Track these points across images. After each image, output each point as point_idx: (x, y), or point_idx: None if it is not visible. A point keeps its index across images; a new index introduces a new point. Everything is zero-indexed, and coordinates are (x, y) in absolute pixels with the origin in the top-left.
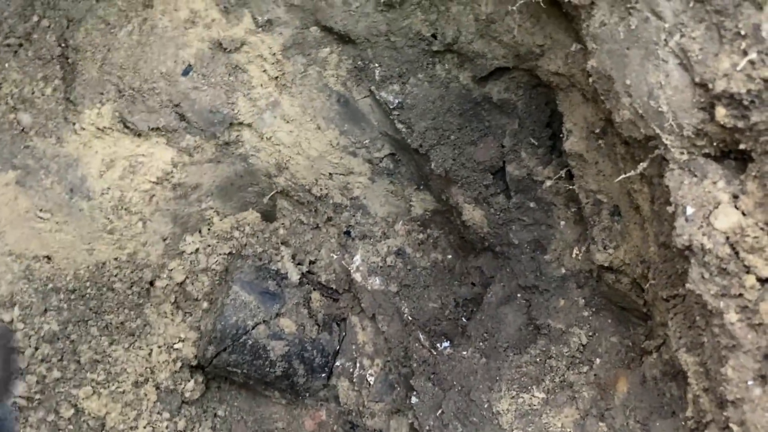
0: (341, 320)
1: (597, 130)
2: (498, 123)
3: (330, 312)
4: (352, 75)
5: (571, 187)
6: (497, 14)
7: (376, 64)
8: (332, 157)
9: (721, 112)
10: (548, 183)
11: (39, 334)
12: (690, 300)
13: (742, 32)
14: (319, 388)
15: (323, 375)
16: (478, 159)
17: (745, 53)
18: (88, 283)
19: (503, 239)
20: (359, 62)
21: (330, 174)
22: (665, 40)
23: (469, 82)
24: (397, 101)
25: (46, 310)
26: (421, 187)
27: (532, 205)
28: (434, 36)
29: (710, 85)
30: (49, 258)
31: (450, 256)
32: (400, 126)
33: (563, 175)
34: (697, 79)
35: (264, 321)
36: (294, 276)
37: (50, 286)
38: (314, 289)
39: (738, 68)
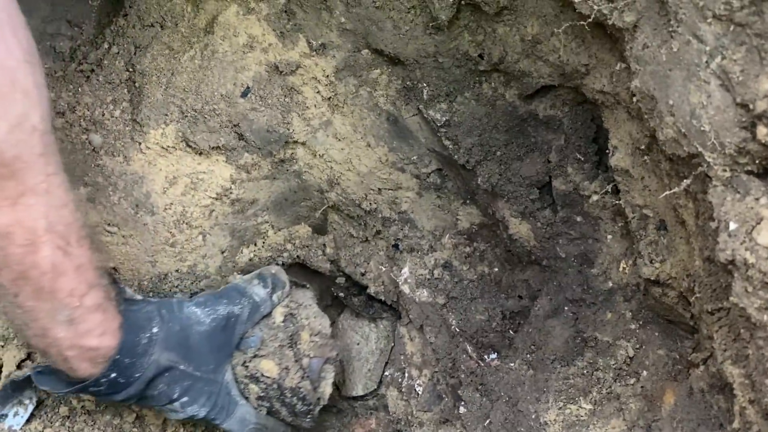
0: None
1: (642, 147)
2: (544, 139)
3: (321, 354)
4: (401, 95)
5: (617, 202)
6: (542, 35)
7: (424, 84)
8: (381, 173)
9: (762, 131)
10: (594, 198)
11: None
12: (734, 313)
13: None
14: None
15: (308, 419)
16: (525, 174)
17: None
18: (151, 294)
19: (550, 253)
20: (408, 82)
21: (379, 189)
22: (706, 62)
23: (515, 100)
24: (444, 119)
25: None
26: (468, 202)
27: (578, 219)
28: (481, 56)
29: (751, 106)
30: (115, 269)
31: (497, 269)
32: (447, 143)
33: (609, 190)
34: (738, 100)
35: (243, 363)
36: (278, 317)
37: None
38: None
39: None
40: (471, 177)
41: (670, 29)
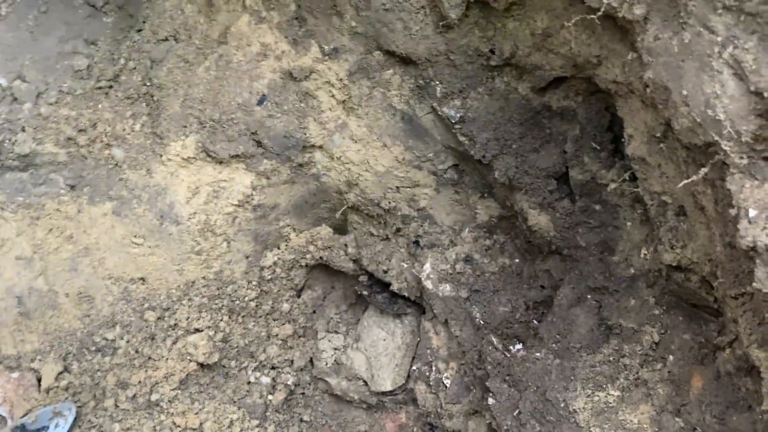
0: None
1: (658, 134)
2: (559, 130)
3: None
4: (414, 93)
5: (635, 189)
6: (553, 28)
7: (437, 82)
8: (398, 171)
9: None
10: (612, 186)
11: (140, 351)
12: (758, 298)
13: None
14: None
15: None
16: (541, 166)
17: None
18: (180, 302)
19: (570, 242)
20: (421, 81)
21: (397, 187)
22: (719, 52)
23: (528, 93)
24: (458, 115)
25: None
26: (486, 195)
27: (597, 207)
28: (492, 51)
29: (766, 94)
30: (143, 279)
31: (517, 260)
32: (462, 139)
33: (627, 178)
34: (752, 88)
35: None
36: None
37: (146, 305)
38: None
39: None
40: (488, 171)
41: (681, 21)
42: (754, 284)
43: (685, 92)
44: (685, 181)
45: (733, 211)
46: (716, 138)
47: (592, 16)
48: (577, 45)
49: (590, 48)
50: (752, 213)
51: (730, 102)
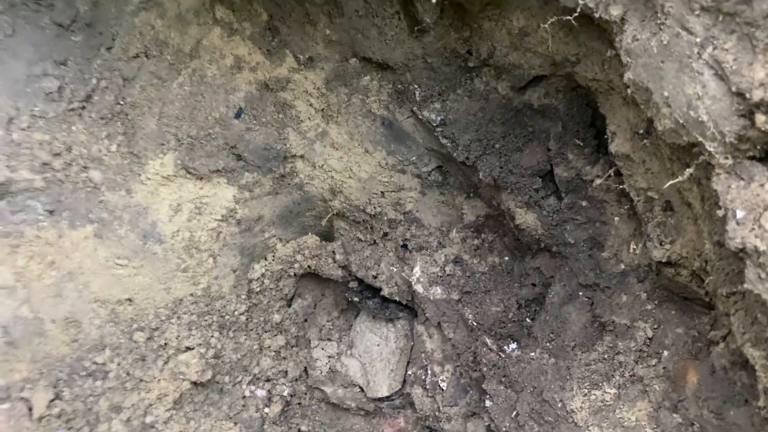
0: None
1: (641, 131)
2: (541, 127)
3: None
4: (393, 98)
5: (621, 186)
6: (529, 27)
7: (416, 86)
8: (382, 176)
9: (761, 119)
10: (598, 182)
11: (131, 373)
12: (750, 298)
13: None
14: None
15: None
16: (525, 164)
17: None
18: (169, 321)
19: (559, 239)
20: (399, 86)
21: (382, 192)
22: (698, 53)
23: (508, 92)
24: (439, 118)
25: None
26: (471, 195)
27: (584, 204)
28: (469, 52)
29: (747, 95)
30: (130, 300)
31: (507, 258)
32: (444, 141)
33: (612, 174)
34: (734, 89)
35: None
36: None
37: (135, 326)
38: None
39: None
40: (472, 172)
41: (659, 22)
42: (745, 285)
43: (666, 93)
44: (671, 182)
45: (720, 212)
46: (700, 139)
47: (568, 17)
48: (554, 44)
49: (568, 47)
50: (740, 214)
51: (712, 103)
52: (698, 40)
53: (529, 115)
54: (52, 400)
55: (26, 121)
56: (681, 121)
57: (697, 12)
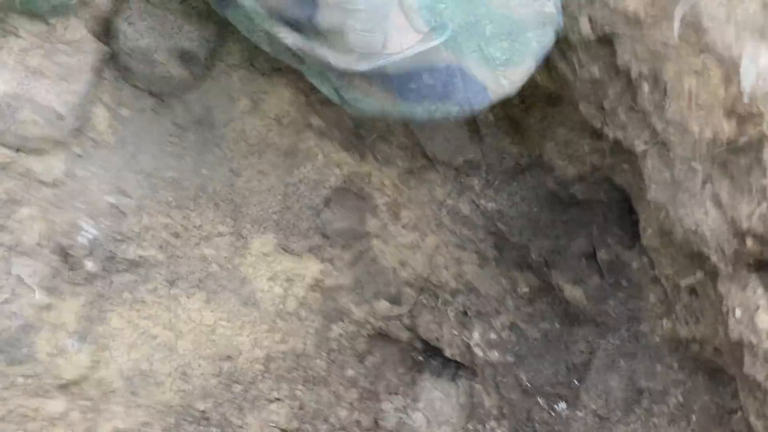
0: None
1: (666, 228)
2: (585, 216)
3: None
4: (455, 189)
5: (653, 272)
6: (571, 140)
7: (475, 180)
8: (445, 252)
9: (750, 242)
10: (635, 265)
11: (229, 420)
12: (749, 379)
13: (754, 190)
14: None
15: None
16: (571, 247)
17: (759, 204)
18: (262, 375)
19: (603, 313)
20: (460, 179)
21: (445, 265)
22: (701, 188)
23: (555, 186)
24: (495, 207)
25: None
26: (524, 269)
27: (624, 283)
28: (521, 154)
29: (738, 224)
30: (230, 357)
31: (558, 326)
32: (500, 225)
33: (646, 259)
34: (729, 218)
35: None
36: None
37: (233, 379)
38: None
39: (755, 215)
40: (525, 252)
41: (671, 161)
42: (744, 369)
43: (679, 214)
44: (686, 281)
45: (724, 309)
46: (706, 252)
47: (603, 145)
48: (591, 156)
49: (604, 160)
50: (738, 313)
51: (713, 225)
52: (701, 179)
53: (574, 205)
54: None
55: (153, 207)
56: (691, 238)
57: (698, 159)
